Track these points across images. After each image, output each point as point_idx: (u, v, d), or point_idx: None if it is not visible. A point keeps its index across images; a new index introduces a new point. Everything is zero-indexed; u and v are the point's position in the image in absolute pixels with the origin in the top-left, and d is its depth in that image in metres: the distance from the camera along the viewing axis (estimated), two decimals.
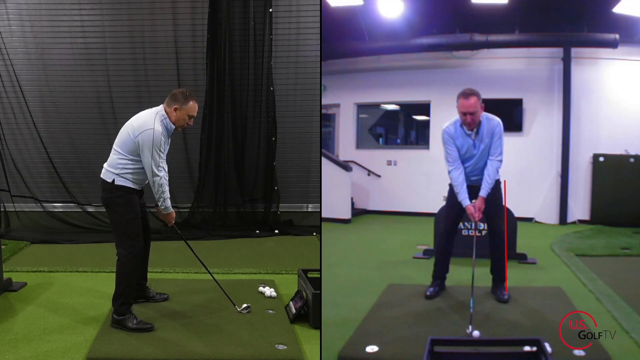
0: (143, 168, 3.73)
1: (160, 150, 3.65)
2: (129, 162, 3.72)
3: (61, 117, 7.29)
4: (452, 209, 4.23)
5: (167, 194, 3.80)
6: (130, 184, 3.76)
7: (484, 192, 3.98)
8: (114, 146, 3.81)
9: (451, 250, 4.32)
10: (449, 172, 4.07)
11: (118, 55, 7.21)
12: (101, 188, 3.82)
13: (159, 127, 3.66)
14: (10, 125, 7.21)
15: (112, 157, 3.79)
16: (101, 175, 3.81)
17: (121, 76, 7.24)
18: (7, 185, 7.15)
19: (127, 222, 3.75)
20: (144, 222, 4.00)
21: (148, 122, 3.67)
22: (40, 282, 4.82)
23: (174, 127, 3.81)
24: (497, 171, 4.01)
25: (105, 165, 3.82)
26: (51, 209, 7.31)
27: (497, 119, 4.02)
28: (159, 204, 3.85)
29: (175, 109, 3.75)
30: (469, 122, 3.91)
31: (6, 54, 7.08)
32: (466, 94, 3.87)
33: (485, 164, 4.02)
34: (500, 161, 3.99)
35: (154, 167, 3.66)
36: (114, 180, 3.73)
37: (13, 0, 7.05)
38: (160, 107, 3.80)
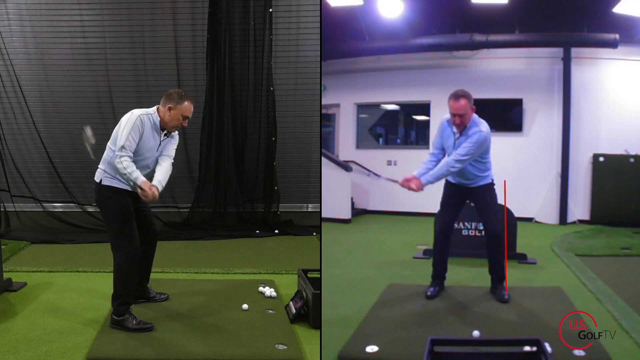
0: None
1: (132, 135, 3.58)
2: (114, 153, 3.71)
3: (61, 117, 7.28)
4: (447, 208, 4.27)
5: (133, 174, 3.57)
6: (116, 184, 3.72)
7: (424, 178, 4.00)
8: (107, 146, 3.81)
9: (448, 249, 4.33)
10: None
11: (118, 55, 7.22)
12: (94, 189, 3.83)
13: (138, 113, 3.66)
14: (10, 125, 7.21)
15: (104, 157, 3.79)
16: (94, 177, 3.81)
17: (121, 76, 7.25)
18: (7, 185, 7.15)
19: (118, 223, 3.72)
20: (147, 224, 4.00)
21: (133, 110, 3.71)
22: (40, 282, 4.82)
23: (159, 122, 3.74)
24: (449, 168, 3.95)
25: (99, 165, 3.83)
26: (51, 209, 7.31)
27: (482, 128, 3.93)
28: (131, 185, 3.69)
29: (170, 108, 3.73)
30: (458, 124, 3.96)
31: (6, 54, 7.08)
32: (457, 96, 3.90)
33: (465, 167, 4.03)
34: (458, 162, 3.92)
35: (119, 146, 3.56)
36: (101, 180, 3.73)
37: (13, 0, 7.06)
38: (153, 108, 3.80)
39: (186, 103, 3.75)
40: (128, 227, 3.73)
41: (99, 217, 6.96)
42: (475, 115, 4.01)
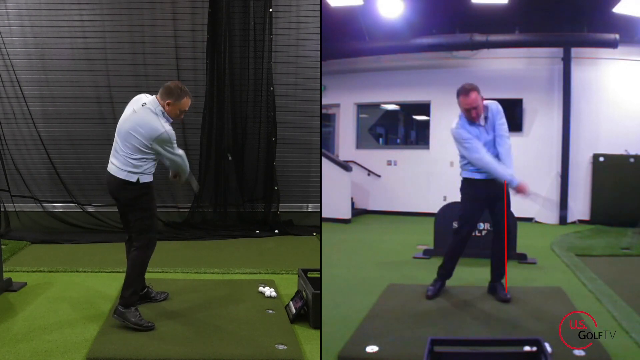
0: (157, 160, 3.86)
1: (174, 139, 3.78)
2: (147, 159, 3.77)
3: (61, 117, 7.28)
4: (475, 211, 4.15)
5: (186, 158, 3.99)
6: (150, 179, 3.86)
7: (511, 169, 3.98)
8: (122, 148, 3.74)
9: (462, 252, 4.25)
10: (477, 160, 3.95)
11: (118, 55, 7.21)
12: (120, 189, 3.79)
13: (168, 127, 3.73)
14: (10, 125, 7.21)
15: (128, 160, 3.72)
16: (121, 177, 3.74)
17: (121, 76, 7.24)
18: (7, 185, 7.15)
19: (151, 216, 3.91)
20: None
21: (157, 127, 3.67)
22: (40, 282, 4.82)
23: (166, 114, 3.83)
24: (510, 148, 4.01)
25: (119, 165, 3.75)
26: (51, 209, 7.30)
27: (494, 102, 4.05)
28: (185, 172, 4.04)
29: (169, 104, 3.76)
30: (475, 116, 3.95)
31: (6, 54, 7.07)
32: (466, 90, 3.90)
33: (494, 153, 4.00)
34: (508, 138, 4.03)
35: (176, 152, 3.85)
36: (138, 180, 3.76)
37: (13, 0, 7.06)
38: (156, 103, 3.76)
39: (185, 99, 3.82)
40: (155, 218, 3.97)
41: (99, 217, 6.97)
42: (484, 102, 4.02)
